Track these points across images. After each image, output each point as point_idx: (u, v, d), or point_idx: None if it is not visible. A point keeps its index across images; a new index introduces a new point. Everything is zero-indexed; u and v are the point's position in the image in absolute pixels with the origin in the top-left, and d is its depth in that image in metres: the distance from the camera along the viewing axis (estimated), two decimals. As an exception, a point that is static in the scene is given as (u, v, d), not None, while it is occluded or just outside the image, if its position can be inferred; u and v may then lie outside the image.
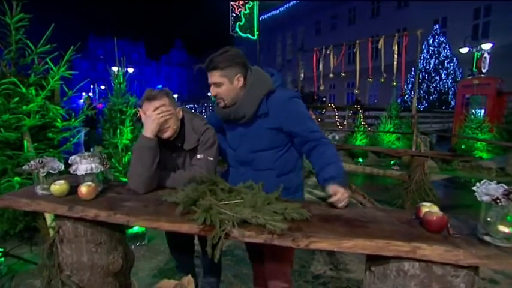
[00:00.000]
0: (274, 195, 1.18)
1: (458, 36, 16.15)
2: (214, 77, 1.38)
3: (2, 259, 2.37)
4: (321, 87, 4.49)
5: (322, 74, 4.46)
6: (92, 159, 1.32)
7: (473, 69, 12.79)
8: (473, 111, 8.07)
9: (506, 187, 0.88)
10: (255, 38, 8.89)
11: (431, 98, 17.37)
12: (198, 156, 1.48)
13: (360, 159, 7.33)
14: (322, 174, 1.33)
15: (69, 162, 1.35)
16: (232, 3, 8.57)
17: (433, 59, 17.31)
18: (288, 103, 1.41)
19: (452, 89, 16.65)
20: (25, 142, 2.69)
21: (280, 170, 1.48)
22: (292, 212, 1.06)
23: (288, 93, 1.45)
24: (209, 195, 1.18)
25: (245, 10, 8.61)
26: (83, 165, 1.29)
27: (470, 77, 10.76)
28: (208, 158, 1.48)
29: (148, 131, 1.36)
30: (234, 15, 8.57)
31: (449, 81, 17.08)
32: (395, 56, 3.37)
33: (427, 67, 17.45)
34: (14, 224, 2.64)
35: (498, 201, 0.85)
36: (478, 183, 0.94)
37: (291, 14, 27.87)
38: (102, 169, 1.34)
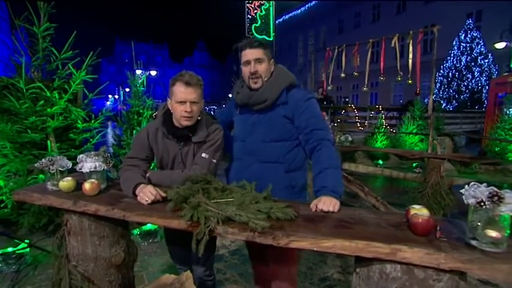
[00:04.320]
0: (263, 195, 1.20)
1: (495, 31, 15.05)
2: (258, 53, 1.47)
3: (28, 250, 2.57)
4: (329, 87, 4.43)
5: (332, 74, 4.39)
6: (96, 158, 1.41)
7: (510, 65, 11.94)
8: (507, 111, 7.52)
9: (494, 189, 0.84)
10: (271, 39, 8.91)
11: (461, 97, 16.40)
12: (203, 154, 1.50)
13: (380, 161, 7.09)
14: (316, 183, 1.34)
15: (77, 160, 1.45)
16: (247, 5, 8.64)
17: (465, 56, 16.32)
18: (307, 100, 1.50)
19: (487, 87, 15.58)
20: (49, 142, 2.90)
21: (289, 165, 1.50)
22: (277, 211, 1.07)
23: (307, 92, 1.56)
24: (201, 193, 1.22)
25: (261, 12, 8.64)
26: (88, 163, 1.39)
27: (505, 74, 10.02)
28: (212, 160, 1.51)
29: (136, 194, 1.32)
30: (250, 17, 8.63)
31: (483, 79, 16.02)
32: (410, 54, 3.25)
33: (458, 64, 16.50)
34: (39, 218, 2.85)
35: (482, 204, 0.81)
36: (466, 186, 0.90)
37: (312, 14, 27.54)
38: (106, 167, 1.42)
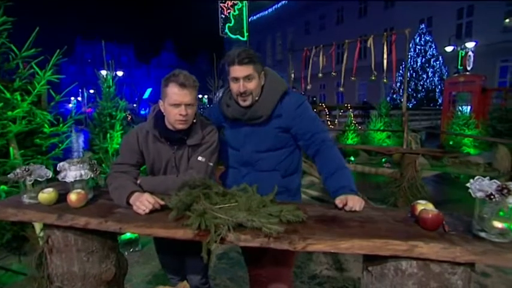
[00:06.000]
0: (269, 198, 1.17)
1: (444, 35, 16.55)
2: (247, 70, 1.34)
3: (-11, 271, 2.29)
4: (308, 87, 4.53)
5: (310, 73, 4.49)
6: (81, 165, 1.29)
7: (459, 67, 13.07)
8: (460, 108, 8.23)
9: (499, 183, 0.88)
10: (245, 39, 8.89)
11: (419, 95, 17.68)
12: (199, 158, 1.42)
13: (352, 158, 7.39)
14: (331, 184, 1.32)
15: (58, 169, 1.31)
16: (221, 4, 8.54)
17: (420, 58, 17.64)
18: (299, 106, 1.43)
19: (439, 86, 16.99)
20: (11, 149, 2.61)
21: (285, 171, 1.48)
22: (288, 214, 1.05)
23: (299, 96, 1.50)
24: (203, 199, 1.16)
25: (234, 11, 8.59)
26: (72, 172, 1.25)
27: (456, 75, 11.00)
28: (209, 163, 1.44)
29: (131, 204, 1.24)
30: (223, 16, 8.54)
31: (436, 79, 17.43)
32: (385, 54, 3.42)
33: (414, 65, 17.78)
34: (1, 234, 2.55)
35: (492, 197, 0.85)
36: (471, 180, 0.95)
37: (280, 15, 28.00)
38: (92, 175, 1.30)
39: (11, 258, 2.56)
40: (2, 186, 2.46)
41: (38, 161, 2.68)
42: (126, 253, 2.73)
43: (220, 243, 0.97)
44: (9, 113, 2.57)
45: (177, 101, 1.30)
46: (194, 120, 1.41)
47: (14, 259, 2.56)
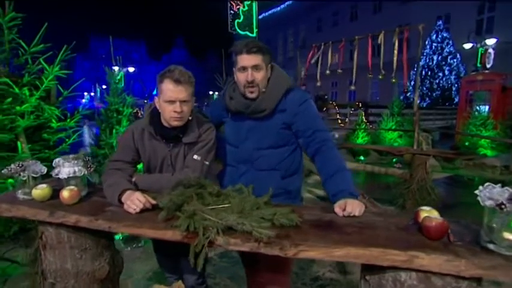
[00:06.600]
0: (263, 199, 1.12)
1: (462, 32, 15.93)
2: (256, 59, 1.32)
3: (-5, 262, 2.34)
4: (318, 83, 4.43)
5: (320, 70, 4.39)
6: (75, 162, 1.27)
7: (477, 64, 12.59)
8: (477, 107, 7.92)
9: (511, 191, 0.81)
10: (254, 35, 8.78)
11: (434, 94, 17.14)
12: (195, 156, 1.38)
13: (362, 157, 7.23)
14: (330, 186, 1.27)
15: (53, 165, 1.30)
16: (230, 0, 8.47)
17: (436, 55, 17.06)
18: (303, 103, 1.40)
19: (456, 85, 16.41)
20: (19, 143, 2.65)
21: (285, 171, 1.43)
22: (281, 217, 1.00)
23: (304, 93, 1.46)
24: (195, 199, 1.12)
25: (243, 7, 8.50)
26: (66, 168, 1.24)
27: (474, 73, 10.59)
28: (205, 162, 1.40)
29: (122, 202, 1.21)
30: (233, 12, 8.46)
31: (453, 77, 16.83)
32: (395, 51, 3.27)
33: (430, 63, 17.22)
34: (8, 226, 2.60)
35: (503, 206, 0.78)
36: (480, 187, 0.87)
37: (292, 11, 27.69)
38: (86, 172, 1.28)
39: (18, 250, 2.60)
40: (10, 180, 2.51)
41: (45, 155, 2.72)
42: (128, 248, 2.74)
43: (208, 246, 0.94)
44: (18, 107, 2.61)
45: (171, 98, 1.27)
46: (190, 118, 1.38)
47: (20, 251, 2.60)
